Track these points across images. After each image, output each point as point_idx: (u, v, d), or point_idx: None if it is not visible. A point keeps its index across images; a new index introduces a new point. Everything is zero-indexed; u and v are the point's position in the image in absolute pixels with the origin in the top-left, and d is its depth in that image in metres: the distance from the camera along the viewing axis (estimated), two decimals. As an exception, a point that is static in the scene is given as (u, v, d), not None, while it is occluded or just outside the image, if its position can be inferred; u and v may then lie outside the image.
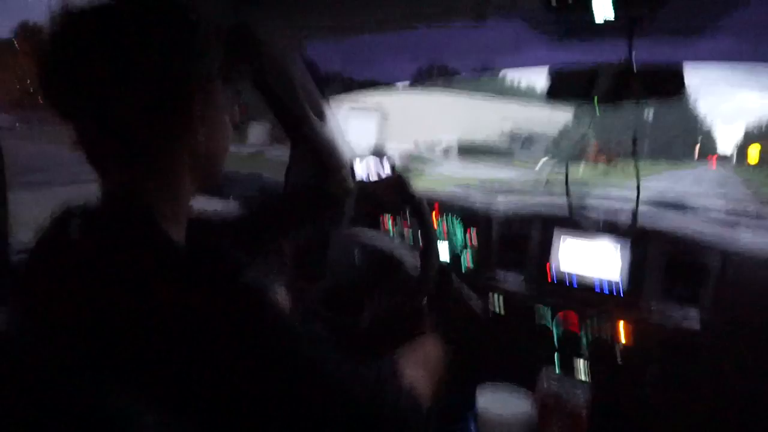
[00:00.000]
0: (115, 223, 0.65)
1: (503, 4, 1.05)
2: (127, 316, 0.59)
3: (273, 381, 0.63)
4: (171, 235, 0.67)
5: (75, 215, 0.67)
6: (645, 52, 1.15)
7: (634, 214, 1.31)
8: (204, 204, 0.86)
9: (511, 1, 1.03)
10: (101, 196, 0.70)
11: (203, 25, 0.71)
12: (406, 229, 1.76)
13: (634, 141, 1.26)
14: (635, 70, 1.15)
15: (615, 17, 0.99)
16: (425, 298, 1.32)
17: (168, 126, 0.70)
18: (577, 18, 1.01)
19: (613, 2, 0.96)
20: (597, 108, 1.21)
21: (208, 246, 0.69)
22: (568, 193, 1.38)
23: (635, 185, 1.28)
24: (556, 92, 1.26)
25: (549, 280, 1.44)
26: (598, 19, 0.97)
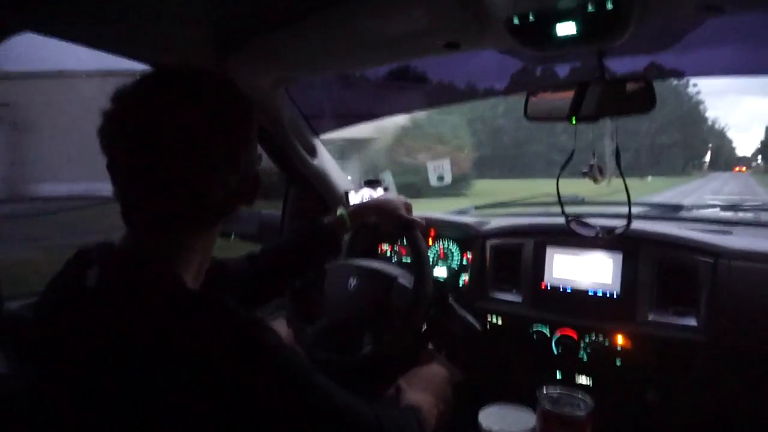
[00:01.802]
0: (137, 279, 0.67)
1: (473, 35, 1.10)
2: (138, 367, 0.61)
3: (276, 416, 0.65)
4: (190, 289, 0.71)
5: (92, 263, 0.69)
6: (617, 70, 1.20)
7: (628, 225, 1.33)
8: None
9: (480, 30, 1.07)
10: (126, 250, 0.72)
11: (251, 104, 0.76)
12: (403, 256, 1.79)
13: (617, 154, 1.29)
14: (608, 91, 1.20)
15: (581, 39, 1.04)
16: (423, 321, 1.35)
17: (238, 200, 0.76)
18: (543, 41, 1.05)
19: (577, 27, 1.01)
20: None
21: (219, 299, 0.71)
22: (564, 215, 1.41)
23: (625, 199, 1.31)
24: (535, 114, 1.31)
25: (543, 288, 1.47)
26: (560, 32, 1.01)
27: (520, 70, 1.31)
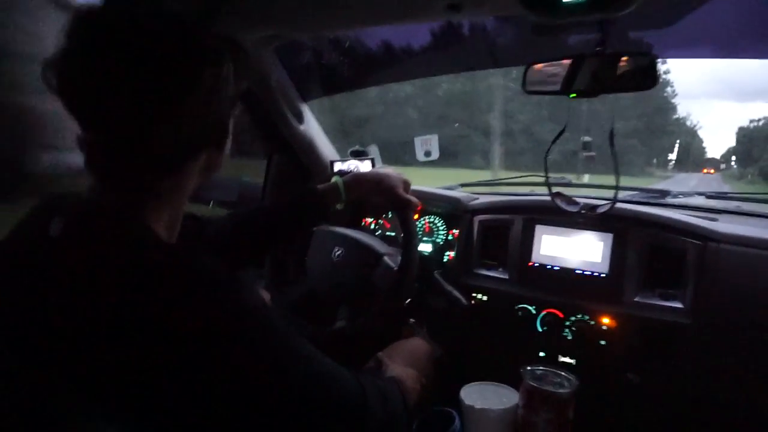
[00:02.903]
0: (105, 230, 0.64)
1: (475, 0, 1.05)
2: (104, 321, 0.57)
3: (255, 382, 0.63)
4: (163, 241, 0.68)
5: (57, 211, 0.65)
6: (619, 47, 1.17)
7: (612, 204, 1.32)
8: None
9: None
10: (93, 199, 0.68)
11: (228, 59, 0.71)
12: (388, 229, 1.76)
13: (611, 135, 1.28)
14: (609, 65, 1.18)
15: (588, 7, 1.00)
16: (407, 297, 1.33)
17: (203, 144, 0.71)
18: (549, 7, 1.01)
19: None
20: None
21: (196, 252, 0.67)
22: (549, 190, 1.39)
23: (614, 181, 1.30)
24: (533, 87, 1.28)
25: (530, 266, 1.45)
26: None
27: (520, 40, 1.27)
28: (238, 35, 1.29)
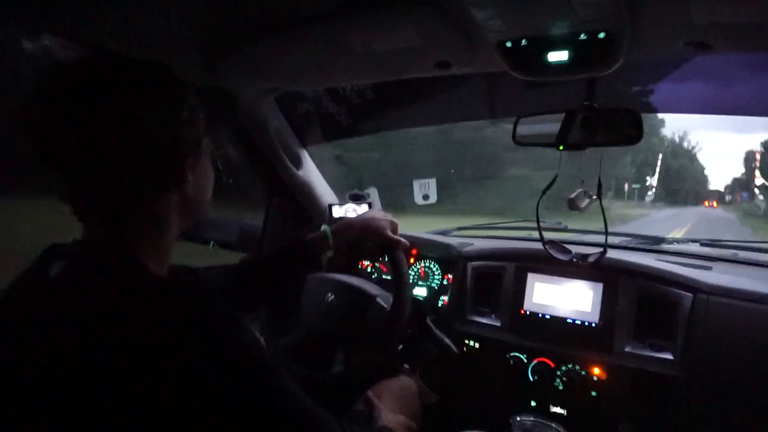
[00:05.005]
0: (99, 265, 0.67)
1: (464, 56, 1.09)
2: (104, 352, 0.59)
3: (244, 417, 0.63)
4: (155, 273, 0.70)
5: (58, 256, 0.70)
6: (607, 103, 1.20)
7: (603, 253, 1.33)
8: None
9: (472, 51, 1.07)
10: (86, 240, 0.72)
11: (191, 95, 0.74)
12: (384, 273, 1.77)
13: (599, 185, 1.30)
14: (597, 120, 1.21)
15: (572, 67, 1.03)
16: (398, 344, 1.33)
17: (160, 183, 0.72)
18: (534, 66, 1.05)
19: (568, 54, 1.01)
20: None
21: (189, 285, 0.71)
22: (542, 238, 1.41)
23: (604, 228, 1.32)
24: (523, 139, 1.31)
25: (522, 314, 1.46)
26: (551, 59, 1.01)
27: (510, 94, 1.31)
28: (238, 87, 1.36)
